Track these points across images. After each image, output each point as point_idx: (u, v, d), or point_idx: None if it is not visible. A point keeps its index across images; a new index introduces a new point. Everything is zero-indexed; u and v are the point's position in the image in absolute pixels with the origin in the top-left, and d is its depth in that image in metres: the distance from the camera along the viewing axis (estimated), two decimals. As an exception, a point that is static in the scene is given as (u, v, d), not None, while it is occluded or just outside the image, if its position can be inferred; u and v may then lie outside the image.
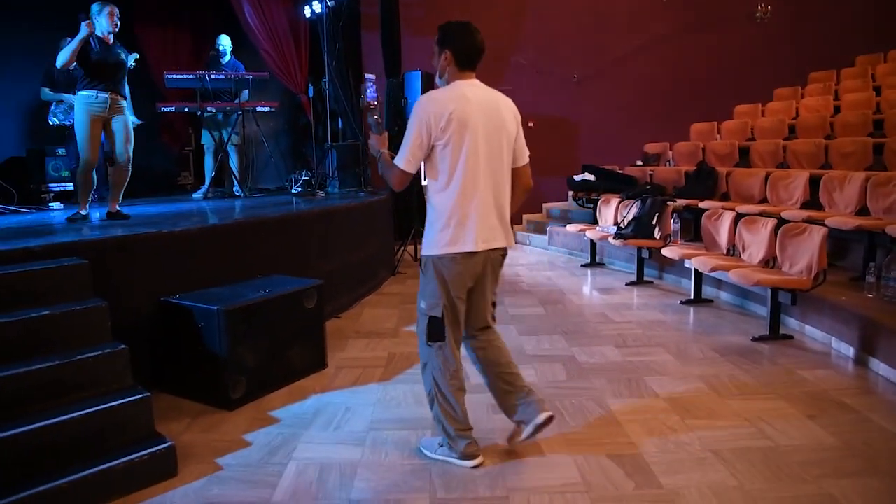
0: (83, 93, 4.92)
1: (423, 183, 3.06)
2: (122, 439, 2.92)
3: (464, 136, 2.82)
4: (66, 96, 6.83)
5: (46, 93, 6.87)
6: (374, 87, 3.34)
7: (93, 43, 4.86)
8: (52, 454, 2.72)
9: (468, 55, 2.91)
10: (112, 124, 5.02)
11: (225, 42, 7.68)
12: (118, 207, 5.16)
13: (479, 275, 2.97)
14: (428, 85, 7.57)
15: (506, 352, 3.18)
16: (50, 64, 6.88)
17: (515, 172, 3.09)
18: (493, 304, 3.16)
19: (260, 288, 4.11)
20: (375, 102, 3.31)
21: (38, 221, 5.38)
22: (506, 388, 3.12)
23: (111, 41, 5.02)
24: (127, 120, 5.09)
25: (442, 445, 3.07)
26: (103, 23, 4.90)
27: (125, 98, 5.14)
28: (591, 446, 3.18)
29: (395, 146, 2.98)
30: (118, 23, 5.00)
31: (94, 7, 4.90)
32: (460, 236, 2.85)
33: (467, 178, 2.85)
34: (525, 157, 3.14)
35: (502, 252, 3.03)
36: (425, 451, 3.14)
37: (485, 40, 2.96)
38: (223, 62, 7.63)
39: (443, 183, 2.88)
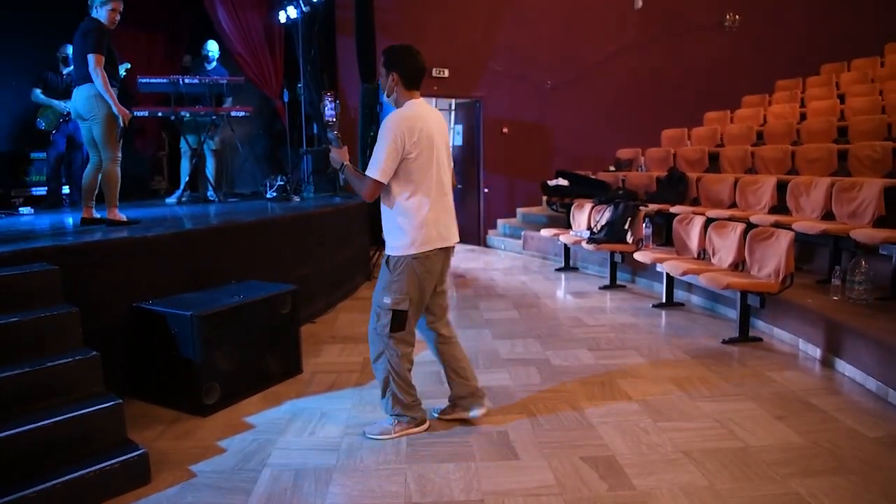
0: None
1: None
2: (93, 447, 2.88)
3: (431, 149, 3.18)
4: (56, 103, 6.74)
5: (38, 95, 6.77)
6: (332, 104, 3.46)
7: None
8: (22, 463, 2.67)
9: (413, 76, 3.22)
10: None
11: (212, 48, 7.63)
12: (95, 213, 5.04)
13: (443, 268, 3.34)
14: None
15: (461, 349, 3.59)
16: (46, 67, 6.83)
17: None
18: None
19: (234, 293, 4.09)
20: (334, 119, 3.43)
21: (7, 226, 5.28)
22: (459, 379, 3.50)
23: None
24: None
25: (399, 423, 3.37)
26: (103, 15, 4.64)
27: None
28: (564, 448, 3.21)
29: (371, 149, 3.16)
30: (117, 20, 4.73)
31: None
32: (433, 236, 3.20)
33: (433, 185, 3.21)
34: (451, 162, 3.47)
35: (453, 247, 3.41)
36: (379, 437, 3.34)
37: (423, 55, 3.25)
38: (209, 68, 7.58)
39: (414, 191, 3.17)
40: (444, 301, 3.49)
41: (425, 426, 3.43)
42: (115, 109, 4.64)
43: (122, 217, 4.89)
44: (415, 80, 3.23)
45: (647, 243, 6.69)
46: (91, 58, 4.53)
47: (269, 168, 9.20)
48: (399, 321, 3.23)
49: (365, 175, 3.14)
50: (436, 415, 3.59)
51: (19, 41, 7.27)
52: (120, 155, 4.81)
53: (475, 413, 3.49)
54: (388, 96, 3.27)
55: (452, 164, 3.44)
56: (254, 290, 4.20)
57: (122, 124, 4.72)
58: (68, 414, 2.86)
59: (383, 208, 3.28)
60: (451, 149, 3.44)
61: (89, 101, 4.65)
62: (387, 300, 3.23)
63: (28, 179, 7.26)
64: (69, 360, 3.03)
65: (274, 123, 9.32)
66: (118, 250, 3.93)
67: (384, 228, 3.30)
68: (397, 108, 3.24)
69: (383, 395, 3.38)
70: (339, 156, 3.31)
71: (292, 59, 8.63)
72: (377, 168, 3.10)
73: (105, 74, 4.58)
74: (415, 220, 3.16)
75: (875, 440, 3.24)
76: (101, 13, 4.65)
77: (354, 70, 9.03)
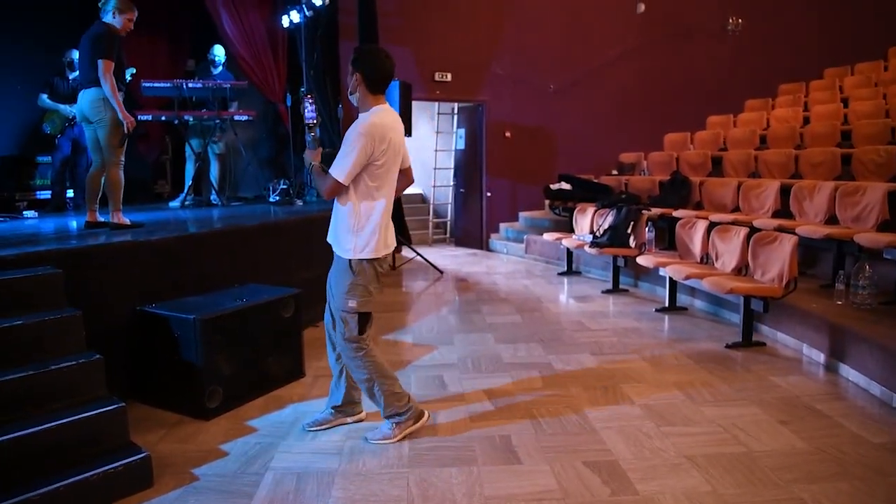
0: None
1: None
2: (96, 450, 2.88)
3: (395, 158, 3.26)
4: (62, 107, 6.76)
5: (44, 100, 6.81)
6: (313, 107, 3.51)
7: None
8: (25, 465, 2.68)
9: (377, 79, 3.21)
10: None
11: (219, 52, 7.67)
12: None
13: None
14: (405, 96, 7.59)
15: None
16: (52, 72, 6.86)
17: (403, 173, 3.44)
18: None
19: (237, 297, 4.10)
20: (314, 121, 3.48)
21: (12, 230, 5.29)
22: (352, 384, 3.52)
23: None
24: None
25: (398, 424, 3.37)
26: (119, 23, 4.68)
27: None
28: (567, 453, 3.21)
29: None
30: (130, 29, 4.79)
31: (111, 2, 4.66)
32: (385, 240, 3.27)
33: (389, 192, 3.28)
34: (409, 160, 3.47)
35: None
36: (381, 442, 3.34)
37: (393, 61, 3.26)
38: (215, 72, 7.61)
39: (374, 196, 3.21)
40: None
41: (425, 418, 3.46)
42: (120, 116, 4.66)
43: (126, 221, 4.90)
44: (379, 85, 3.22)
45: (650, 247, 6.68)
46: (101, 63, 4.55)
47: (273, 172, 9.20)
48: (365, 322, 3.30)
49: (328, 174, 3.17)
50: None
51: (25, 46, 7.30)
52: (123, 159, 4.82)
53: (352, 419, 3.58)
54: (350, 94, 3.28)
55: (406, 160, 3.42)
56: (257, 294, 4.20)
57: (126, 131, 4.74)
58: (71, 417, 2.86)
59: (336, 207, 3.28)
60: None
61: (95, 105, 4.67)
62: (352, 303, 3.24)
63: (33, 183, 7.28)
64: (72, 363, 3.03)
65: (277, 127, 9.33)
66: (121, 254, 3.94)
67: (332, 227, 3.31)
68: (361, 108, 3.24)
69: (371, 397, 3.37)
70: (310, 156, 3.38)
71: (295, 63, 8.64)
72: (342, 170, 3.11)
73: (114, 81, 4.60)
74: (369, 224, 3.20)
75: (879, 446, 3.23)
76: (116, 20, 4.68)
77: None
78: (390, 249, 3.32)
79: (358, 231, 3.21)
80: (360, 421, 3.61)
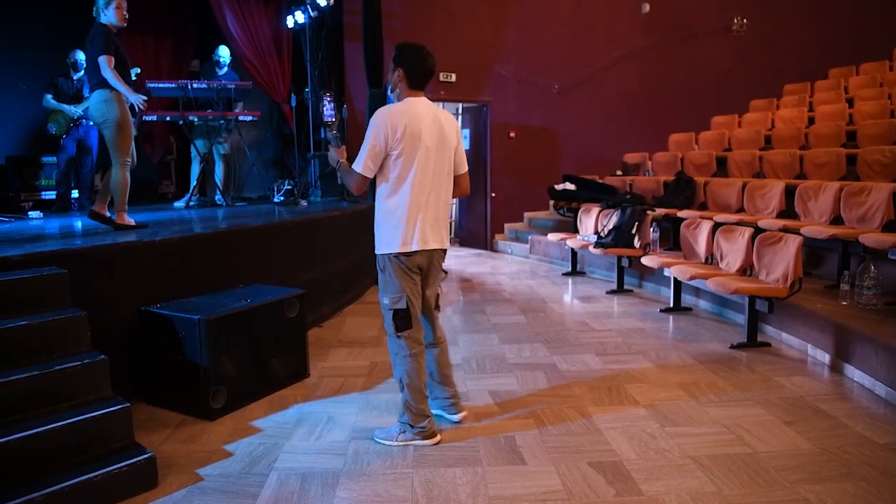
0: (115, 92, 4.71)
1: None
2: (101, 450, 2.89)
3: (416, 148, 3.14)
4: (66, 107, 6.79)
5: (49, 100, 6.84)
6: (331, 105, 3.53)
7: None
8: (29, 465, 2.68)
9: (419, 76, 3.22)
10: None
11: (224, 53, 7.70)
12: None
13: (424, 270, 3.31)
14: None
15: (448, 356, 3.62)
16: (56, 72, 6.88)
17: (456, 180, 3.40)
18: (437, 295, 3.54)
19: (241, 297, 4.10)
20: (333, 119, 3.51)
21: (17, 230, 5.31)
22: (440, 385, 3.55)
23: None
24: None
25: (404, 431, 3.33)
26: (111, 16, 4.69)
27: None
28: (572, 454, 3.20)
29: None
30: (127, 16, 4.78)
31: (99, 1, 4.70)
32: (409, 237, 3.19)
33: (416, 185, 3.17)
34: (464, 167, 3.43)
35: (443, 251, 3.38)
36: (384, 441, 3.34)
37: (434, 58, 3.26)
38: (220, 73, 7.63)
39: (393, 189, 3.18)
40: (430, 304, 3.46)
41: (434, 440, 3.34)
42: (132, 98, 4.71)
43: (131, 221, 4.92)
44: (419, 81, 3.23)
45: (655, 248, 6.67)
46: (102, 59, 4.59)
47: (277, 172, 9.23)
48: (402, 320, 3.25)
49: (352, 169, 3.18)
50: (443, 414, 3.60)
51: (30, 47, 7.33)
52: (129, 160, 4.84)
53: (456, 417, 3.56)
54: (391, 91, 3.29)
55: (461, 166, 3.39)
56: (261, 294, 4.21)
57: (140, 107, 4.79)
58: (76, 417, 2.87)
59: (375, 204, 3.31)
60: (457, 151, 3.37)
61: (100, 106, 4.71)
62: (385, 300, 3.27)
63: (38, 183, 7.31)
64: (77, 363, 3.04)
65: (282, 128, 9.35)
66: (126, 254, 3.95)
67: (374, 222, 3.33)
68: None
69: (401, 391, 3.35)
70: (336, 154, 3.39)
71: (300, 63, 8.66)
72: (359, 161, 3.15)
73: (117, 73, 4.63)
74: (392, 218, 3.19)
75: (885, 446, 3.22)
76: (108, 15, 4.70)
77: (362, 75, 9.04)
78: (421, 247, 3.20)
79: (383, 225, 3.24)
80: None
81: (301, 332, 4.35)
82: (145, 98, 4.84)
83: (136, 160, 4.95)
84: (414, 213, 3.18)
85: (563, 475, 2.99)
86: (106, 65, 4.60)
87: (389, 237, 3.20)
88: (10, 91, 7.33)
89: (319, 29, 8.33)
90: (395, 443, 3.33)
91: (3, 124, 7.60)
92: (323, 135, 8.79)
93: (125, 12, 4.77)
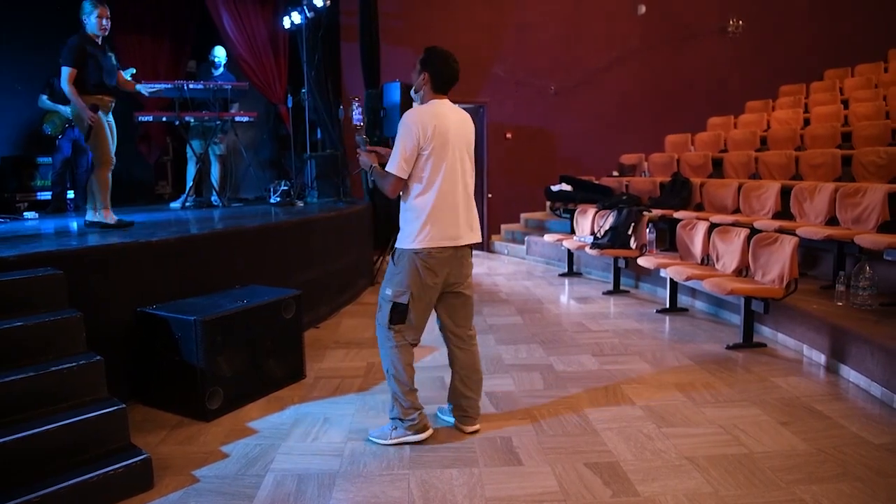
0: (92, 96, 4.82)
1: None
2: (96, 451, 2.88)
3: (445, 147, 3.21)
4: (62, 108, 6.78)
5: (44, 101, 6.83)
6: (360, 109, 3.53)
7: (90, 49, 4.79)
8: (25, 467, 2.68)
9: (443, 80, 3.29)
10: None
11: (219, 53, 7.68)
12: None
13: (452, 268, 3.31)
14: (406, 95, 7.58)
15: (478, 360, 3.55)
16: (52, 73, 6.87)
17: None
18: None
19: (238, 298, 4.10)
20: (362, 124, 3.51)
21: (12, 231, 5.29)
22: (465, 390, 3.47)
23: (100, 43, 4.91)
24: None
25: (396, 429, 3.34)
26: (92, 25, 4.78)
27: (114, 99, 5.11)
28: (568, 454, 3.20)
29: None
30: (107, 26, 4.86)
31: (86, 6, 4.78)
32: (435, 233, 3.21)
33: (445, 184, 3.22)
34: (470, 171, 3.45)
35: (471, 247, 3.43)
36: (378, 441, 3.34)
37: (459, 64, 3.34)
38: (216, 74, 7.61)
39: (425, 187, 3.21)
40: (465, 304, 3.48)
41: (426, 434, 3.36)
42: (83, 113, 4.75)
43: (113, 219, 5.00)
44: (443, 86, 3.29)
45: (651, 249, 6.68)
46: (64, 70, 4.70)
47: (274, 173, 9.21)
48: (398, 313, 3.27)
49: (387, 172, 3.22)
50: (446, 418, 3.61)
51: (25, 47, 7.30)
52: (110, 159, 4.93)
53: (468, 430, 3.49)
54: (415, 92, 3.34)
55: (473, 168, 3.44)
56: (257, 295, 4.20)
57: (88, 122, 4.79)
58: (72, 418, 2.86)
59: (401, 202, 3.33)
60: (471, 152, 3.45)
61: (73, 111, 4.85)
62: (388, 291, 3.29)
63: (33, 184, 7.29)
64: (73, 364, 3.03)
65: (278, 129, 9.33)
66: (122, 255, 3.94)
67: (400, 221, 3.34)
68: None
69: (389, 384, 3.38)
70: (368, 158, 3.39)
71: (296, 64, 8.65)
72: (395, 163, 3.18)
73: (73, 88, 4.70)
74: (421, 215, 3.20)
75: (880, 446, 3.23)
76: (89, 24, 4.80)
77: (358, 75, 9.06)
78: (434, 245, 3.21)
79: (404, 222, 3.28)
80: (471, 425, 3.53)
81: (298, 333, 4.35)
82: (93, 115, 4.82)
83: (114, 161, 5.04)
84: (440, 211, 3.21)
85: (559, 476, 2.99)
86: (66, 76, 4.69)
87: (415, 233, 3.22)
88: (6, 92, 7.30)
89: (316, 29, 8.32)
90: (389, 441, 3.33)
91: (8, 125, 7.58)
92: (319, 136, 8.79)
93: (104, 21, 4.85)
